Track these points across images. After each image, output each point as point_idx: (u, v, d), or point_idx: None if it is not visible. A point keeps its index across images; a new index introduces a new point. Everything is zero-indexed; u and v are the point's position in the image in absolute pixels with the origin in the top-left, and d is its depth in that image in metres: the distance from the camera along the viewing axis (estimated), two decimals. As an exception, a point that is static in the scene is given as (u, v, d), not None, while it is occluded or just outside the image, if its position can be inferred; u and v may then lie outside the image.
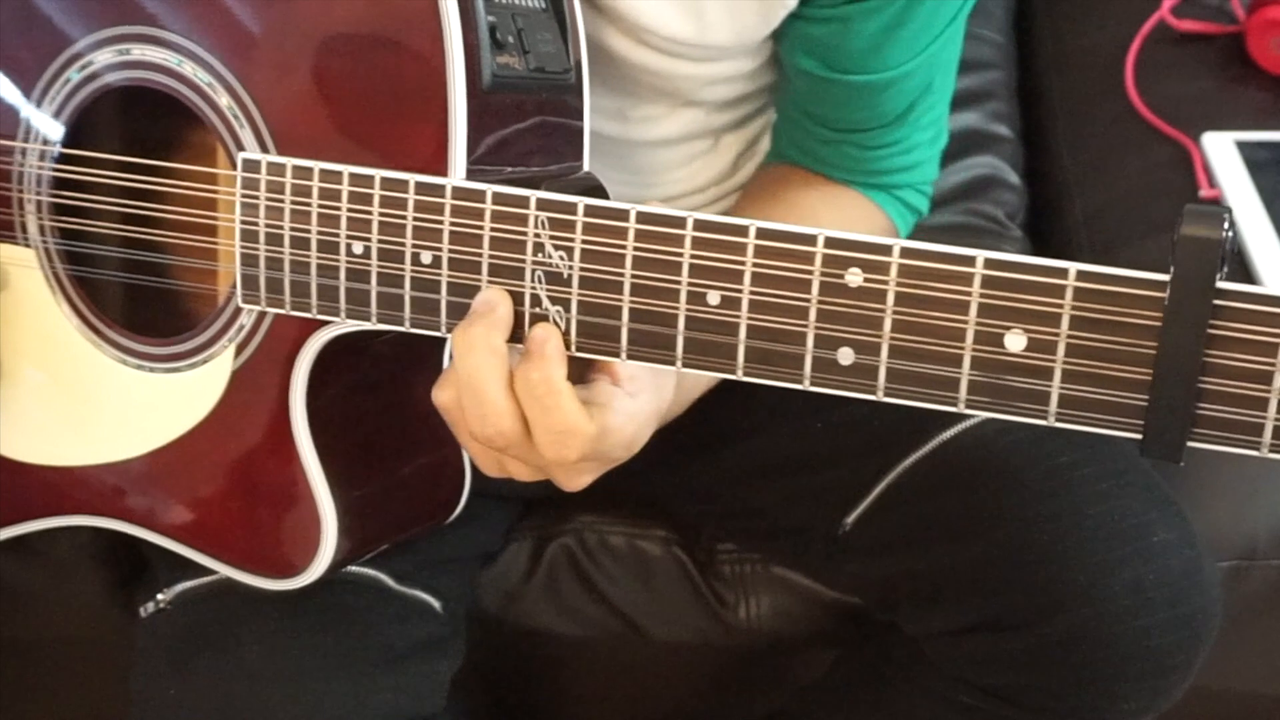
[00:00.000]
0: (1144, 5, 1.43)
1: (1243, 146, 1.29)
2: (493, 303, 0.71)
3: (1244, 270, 1.18)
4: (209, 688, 0.93)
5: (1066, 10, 1.52)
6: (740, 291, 0.66)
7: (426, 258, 0.72)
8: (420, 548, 0.99)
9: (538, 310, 0.70)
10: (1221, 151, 1.28)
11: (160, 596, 0.97)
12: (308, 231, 0.75)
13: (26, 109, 0.89)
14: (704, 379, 0.93)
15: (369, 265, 0.74)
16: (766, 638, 1.17)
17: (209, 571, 0.93)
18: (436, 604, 1.01)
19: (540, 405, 0.71)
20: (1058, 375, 0.61)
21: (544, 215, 0.69)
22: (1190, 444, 0.60)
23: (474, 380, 0.71)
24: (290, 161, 0.75)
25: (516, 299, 0.71)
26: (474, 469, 0.92)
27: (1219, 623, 0.96)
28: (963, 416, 0.99)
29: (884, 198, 1.03)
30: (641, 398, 0.76)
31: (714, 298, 0.66)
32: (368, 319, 0.75)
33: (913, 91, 0.97)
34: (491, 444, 0.73)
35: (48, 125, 0.89)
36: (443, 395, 0.75)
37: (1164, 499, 0.96)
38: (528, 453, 0.73)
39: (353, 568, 0.95)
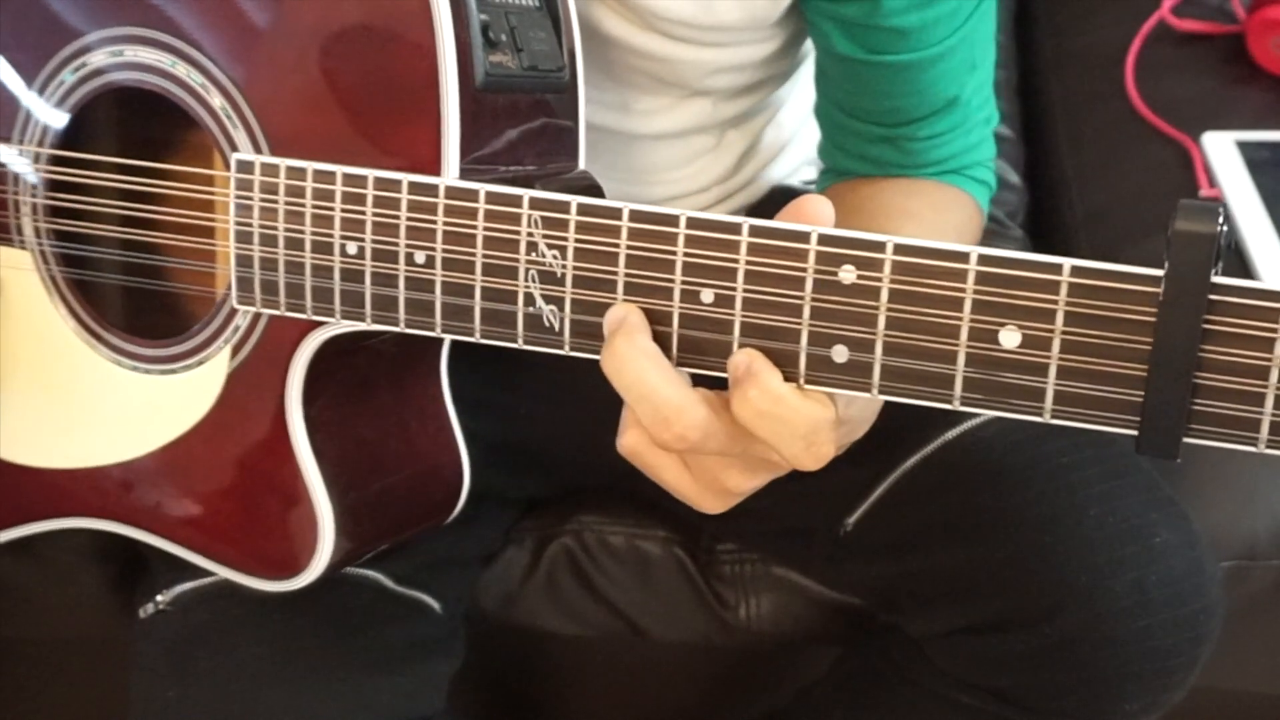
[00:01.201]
0: (1144, 5, 1.43)
1: (1243, 146, 1.28)
2: (619, 315, 0.67)
3: (1244, 271, 1.18)
4: (208, 689, 0.93)
5: (1066, 10, 1.52)
6: (734, 289, 0.65)
7: (420, 257, 0.72)
8: (419, 548, 0.99)
9: (531, 310, 0.70)
10: (1221, 151, 1.28)
11: (160, 597, 0.97)
12: (302, 232, 0.75)
13: (21, 110, 0.89)
14: None
15: (363, 265, 0.74)
16: (766, 638, 1.17)
17: (208, 572, 0.93)
18: (436, 605, 1.01)
19: (772, 418, 0.65)
20: (1053, 372, 0.61)
21: (537, 214, 0.69)
22: (1187, 440, 0.60)
23: (641, 388, 0.66)
24: (284, 162, 0.75)
25: (510, 298, 0.70)
26: (472, 471, 0.92)
27: (1221, 624, 0.96)
28: (964, 418, 0.99)
29: (956, 179, 1.00)
30: None
31: (708, 295, 0.66)
32: (362, 319, 0.75)
33: (958, 71, 0.95)
34: (688, 443, 0.66)
35: (43, 126, 0.89)
36: (628, 439, 0.70)
37: (1166, 500, 0.96)
38: (730, 439, 0.67)
39: (352, 569, 0.95)
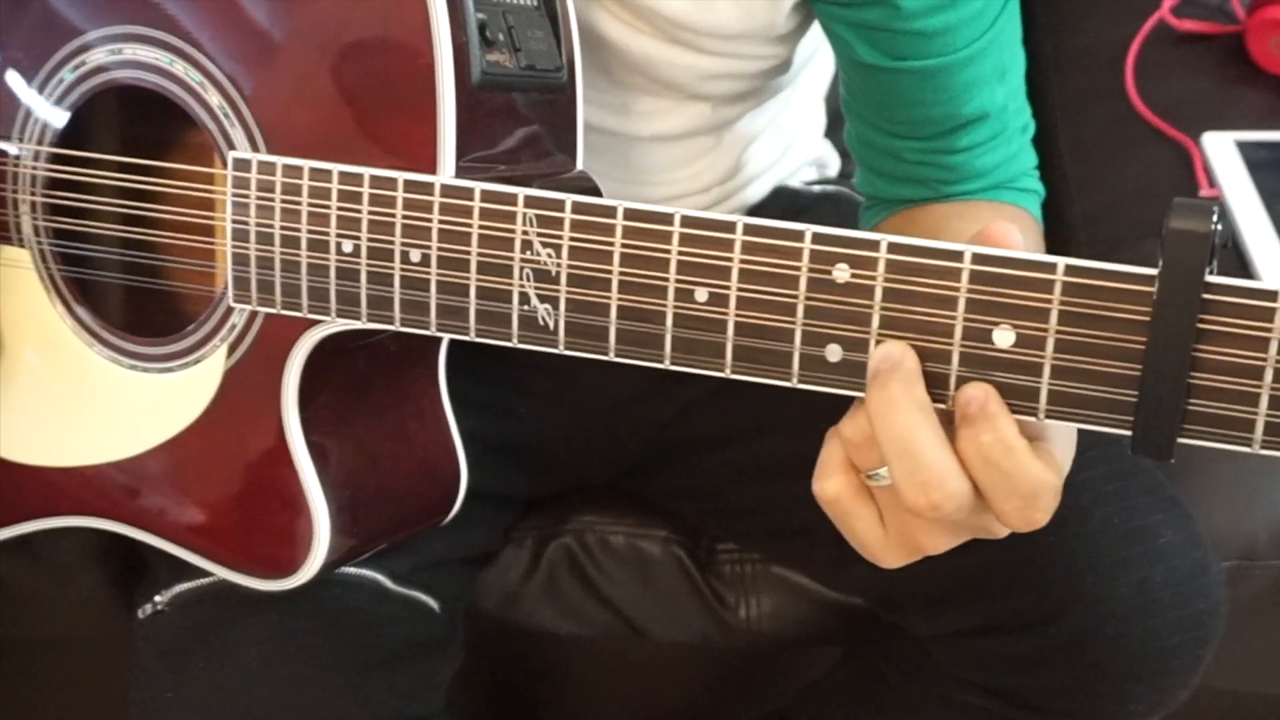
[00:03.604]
0: (1144, 5, 1.42)
1: (1243, 146, 1.28)
2: (897, 357, 0.63)
3: (1244, 271, 1.18)
4: (206, 689, 0.93)
5: (1066, 10, 1.52)
6: (728, 288, 0.65)
7: (415, 256, 0.72)
8: (418, 548, 0.99)
9: (526, 309, 0.70)
10: (1221, 151, 1.28)
11: (158, 598, 0.97)
12: (298, 230, 0.75)
13: (21, 108, 0.90)
14: None
15: (359, 264, 0.74)
16: (766, 638, 1.17)
17: (206, 573, 0.93)
18: (434, 604, 1.01)
19: (1000, 471, 0.62)
20: (1047, 371, 0.61)
21: (532, 212, 0.69)
22: (1181, 440, 0.59)
23: (906, 442, 0.62)
24: (280, 160, 0.75)
25: (505, 296, 0.70)
26: (470, 471, 0.92)
27: (1225, 624, 0.96)
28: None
29: (1008, 194, 0.98)
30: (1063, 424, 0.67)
31: (702, 294, 0.66)
32: (358, 318, 0.75)
33: (989, 79, 0.93)
34: (938, 513, 0.63)
35: (42, 124, 0.89)
36: (831, 484, 0.68)
37: (1170, 500, 0.96)
38: (970, 514, 0.65)
39: (350, 568, 0.95)
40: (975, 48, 0.91)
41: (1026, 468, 0.62)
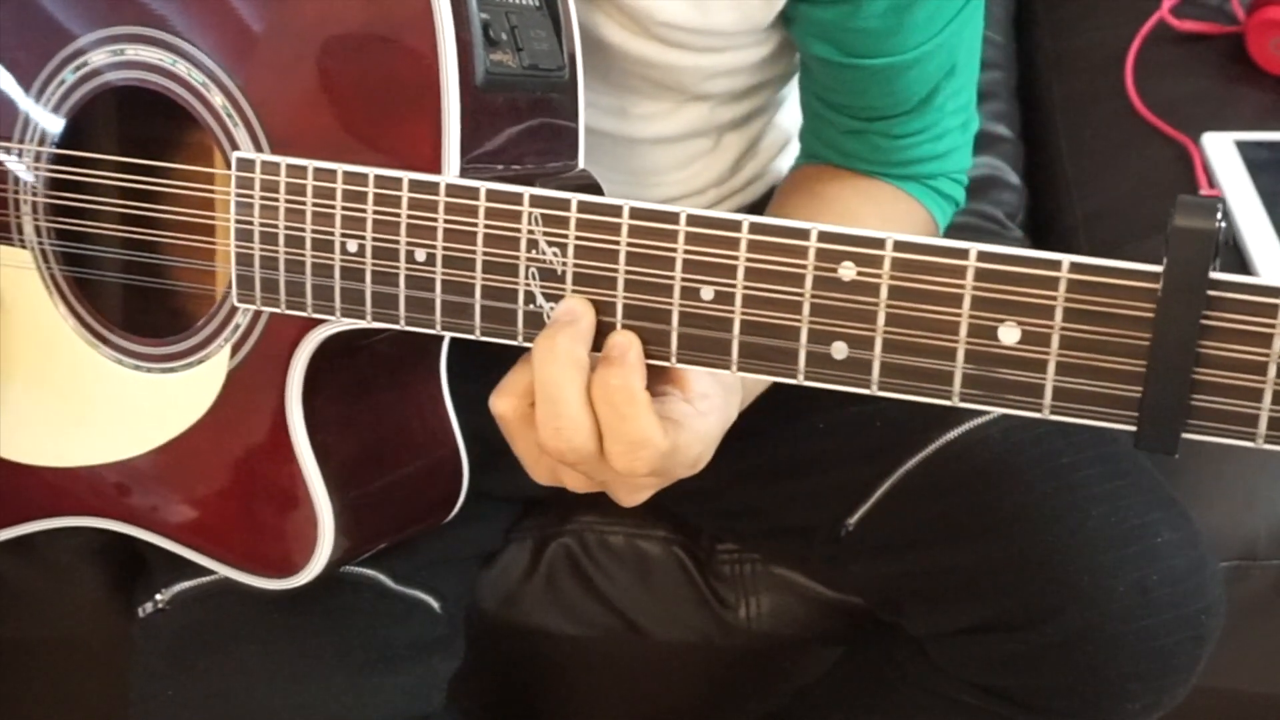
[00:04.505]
0: (1144, 5, 1.43)
1: (1243, 146, 1.29)
2: (577, 312, 0.69)
3: (1243, 271, 1.18)
4: (207, 688, 0.93)
5: (1066, 10, 1.52)
6: (734, 286, 0.66)
7: (421, 255, 0.72)
8: (419, 547, 0.99)
9: (532, 307, 0.70)
10: (1221, 151, 1.28)
11: (158, 597, 0.97)
12: (302, 230, 0.75)
13: (22, 109, 0.90)
14: (760, 388, 0.91)
15: (364, 263, 0.74)
16: (766, 638, 1.17)
17: (206, 572, 0.93)
18: (435, 603, 1.01)
19: (617, 413, 0.69)
20: (1051, 368, 0.61)
21: (537, 211, 0.69)
22: (1185, 435, 0.60)
23: (553, 391, 0.70)
24: (284, 160, 0.75)
25: (510, 295, 0.71)
26: (472, 470, 0.92)
27: (1223, 623, 0.96)
28: (966, 418, 0.99)
29: (918, 188, 1.00)
30: (711, 418, 0.75)
31: (708, 293, 0.66)
32: (363, 317, 0.75)
33: (934, 75, 0.95)
34: (562, 458, 0.71)
35: (43, 125, 0.89)
36: (503, 403, 0.74)
37: (1167, 499, 0.96)
38: (594, 467, 0.72)
39: (351, 567, 0.95)
40: (924, 50, 0.92)
41: (640, 418, 0.69)
